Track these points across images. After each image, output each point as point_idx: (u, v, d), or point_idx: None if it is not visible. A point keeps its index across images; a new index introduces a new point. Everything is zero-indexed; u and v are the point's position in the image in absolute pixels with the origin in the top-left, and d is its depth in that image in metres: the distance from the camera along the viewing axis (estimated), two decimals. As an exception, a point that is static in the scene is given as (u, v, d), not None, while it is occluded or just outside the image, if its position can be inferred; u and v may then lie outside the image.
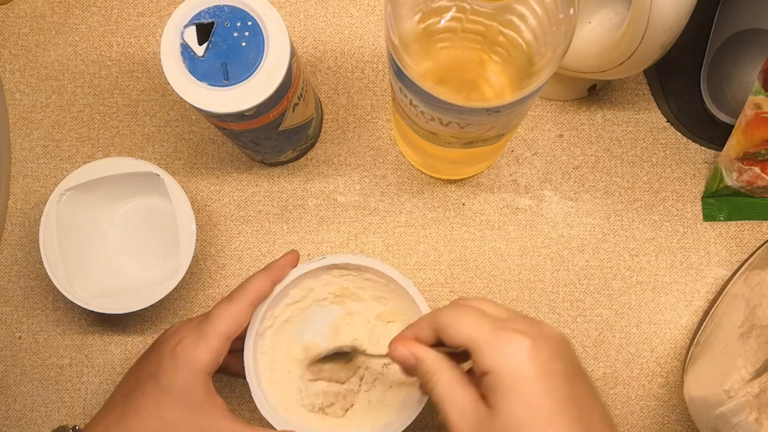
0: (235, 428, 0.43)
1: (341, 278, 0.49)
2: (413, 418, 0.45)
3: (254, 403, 0.45)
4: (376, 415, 0.48)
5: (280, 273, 0.46)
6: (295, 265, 0.46)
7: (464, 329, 0.36)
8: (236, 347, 0.45)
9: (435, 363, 0.38)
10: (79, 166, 0.50)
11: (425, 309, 0.46)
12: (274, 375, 0.48)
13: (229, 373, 0.49)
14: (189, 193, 0.55)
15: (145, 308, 0.50)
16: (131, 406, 0.43)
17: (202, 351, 0.42)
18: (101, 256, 0.54)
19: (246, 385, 0.46)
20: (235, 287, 0.51)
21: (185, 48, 0.42)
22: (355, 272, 0.48)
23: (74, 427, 0.50)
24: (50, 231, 0.50)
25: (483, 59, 0.37)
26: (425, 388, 0.38)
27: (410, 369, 0.39)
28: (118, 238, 0.55)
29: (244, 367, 0.46)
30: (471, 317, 0.37)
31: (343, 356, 0.48)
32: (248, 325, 0.46)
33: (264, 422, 0.45)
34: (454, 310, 0.38)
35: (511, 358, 0.34)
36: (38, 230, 0.50)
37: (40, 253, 0.50)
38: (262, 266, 0.54)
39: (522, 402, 0.34)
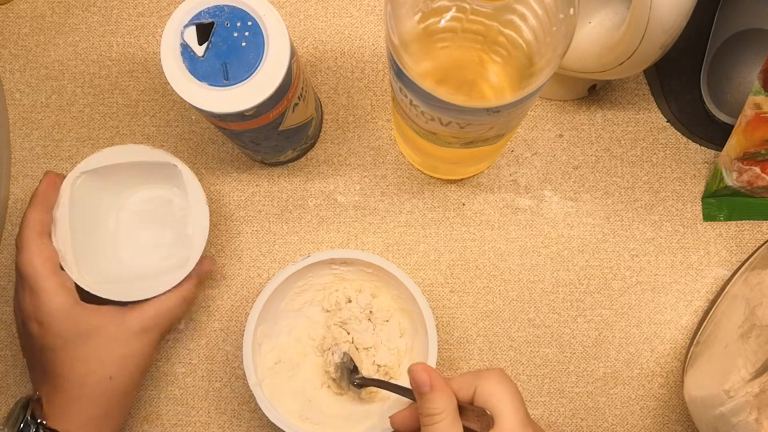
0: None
1: (338, 273, 0.49)
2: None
3: (255, 403, 0.45)
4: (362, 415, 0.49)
5: (47, 196, 0.47)
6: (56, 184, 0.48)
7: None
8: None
9: (447, 403, 0.39)
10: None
11: (414, 289, 0.47)
12: (276, 379, 0.49)
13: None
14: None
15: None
16: (59, 377, 0.45)
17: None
18: (109, 242, 0.53)
19: (246, 386, 0.46)
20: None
21: (185, 48, 0.42)
22: (343, 266, 0.48)
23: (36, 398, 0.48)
24: (63, 213, 0.48)
25: (483, 59, 0.37)
26: (424, 419, 0.40)
27: (420, 394, 0.40)
28: (129, 226, 0.54)
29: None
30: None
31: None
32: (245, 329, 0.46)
33: (271, 426, 0.45)
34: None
35: None
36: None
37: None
38: (262, 267, 0.55)
39: None
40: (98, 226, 0.52)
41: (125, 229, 0.53)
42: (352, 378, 0.48)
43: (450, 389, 0.40)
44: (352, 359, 0.48)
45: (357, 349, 0.50)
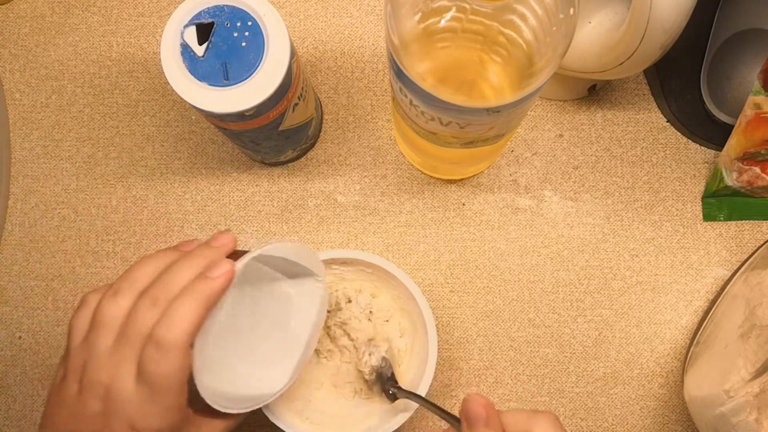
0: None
1: (338, 273, 0.49)
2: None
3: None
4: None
5: (220, 294, 0.37)
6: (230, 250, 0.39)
7: None
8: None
9: None
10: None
11: (414, 289, 0.46)
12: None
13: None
14: (189, 194, 0.56)
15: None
16: None
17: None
18: (238, 345, 0.41)
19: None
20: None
21: (185, 48, 0.42)
22: (343, 266, 0.48)
23: None
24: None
25: (483, 59, 0.37)
26: None
27: (470, 427, 0.38)
28: (252, 326, 0.42)
29: None
30: None
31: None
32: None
33: (271, 426, 0.45)
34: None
35: None
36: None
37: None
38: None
39: None
40: (234, 326, 0.41)
41: (251, 330, 0.42)
42: (386, 386, 0.46)
43: (501, 426, 0.37)
44: (390, 366, 0.47)
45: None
